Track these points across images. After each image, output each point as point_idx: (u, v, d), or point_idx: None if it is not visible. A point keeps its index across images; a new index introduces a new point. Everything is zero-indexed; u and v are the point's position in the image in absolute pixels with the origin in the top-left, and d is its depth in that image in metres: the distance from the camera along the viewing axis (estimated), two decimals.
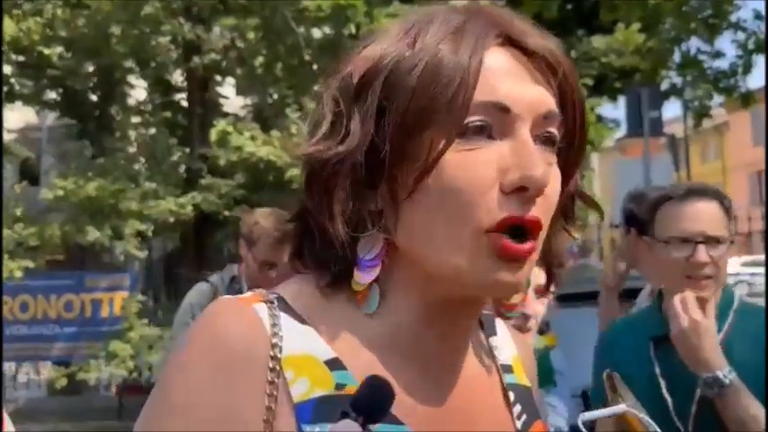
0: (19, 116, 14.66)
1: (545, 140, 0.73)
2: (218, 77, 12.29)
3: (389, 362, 0.73)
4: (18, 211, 10.63)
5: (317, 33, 10.61)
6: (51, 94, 12.35)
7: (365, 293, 0.74)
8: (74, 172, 10.46)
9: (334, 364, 0.71)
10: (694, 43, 11.11)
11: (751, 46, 10.70)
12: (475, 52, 0.70)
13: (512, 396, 0.83)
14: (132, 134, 12.30)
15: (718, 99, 11.78)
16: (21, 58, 11.44)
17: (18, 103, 12.01)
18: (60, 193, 10.13)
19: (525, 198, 0.69)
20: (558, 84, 0.74)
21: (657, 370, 1.81)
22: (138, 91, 12.54)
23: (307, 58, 10.19)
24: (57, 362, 11.00)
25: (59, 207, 10.68)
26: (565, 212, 0.80)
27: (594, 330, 2.79)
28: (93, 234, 10.21)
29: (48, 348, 10.72)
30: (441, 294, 0.74)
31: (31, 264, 10.19)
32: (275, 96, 11.52)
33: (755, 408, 1.65)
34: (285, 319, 0.72)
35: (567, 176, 0.77)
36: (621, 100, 10.47)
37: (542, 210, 0.71)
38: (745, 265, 18.45)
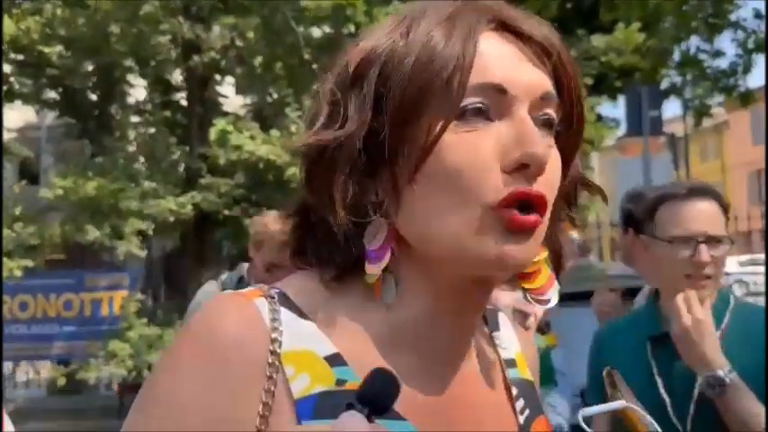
0: (18, 115, 14.66)
1: (543, 123, 0.73)
2: (218, 77, 12.30)
3: (392, 357, 0.73)
4: (17, 211, 10.64)
5: (316, 32, 10.62)
6: (51, 94, 12.36)
7: (378, 284, 0.74)
8: (73, 171, 10.46)
9: (334, 360, 0.71)
10: (694, 42, 11.13)
11: (751, 45, 10.71)
12: (469, 37, 0.71)
13: (515, 391, 0.83)
14: (132, 133, 12.31)
15: (717, 98, 11.79)
16: (20, 58, 11.46)
17: (17, 103, 12.02)
18: (60, 192, 10.14)
19: (528, 175, 0.69)
20: (554, 67, 0.74)
21: (655, 369, 1.81)
22: (138, 90, 12.54)
23: (306, 57, 10.19)
24: (56, 361, 11.01)
25: (59, 206, 10.69)
26: (567, 198, 0.80)
27: (594, 330, 2.79)
28: (92, 233, 10.21)
29: (47, 348, 10.74)
30: (447, 279, 0.73)
31: (30, 263, 10.19)
32: (275, 95, 11.53)
33: (756, 407, 1.65)
34: (285, 315, 0.72)
35: (566, 162, 0.77)
36: (621, 99, 10.48)
37: (544, 188, 0.71)
38: (742, 264, 18.44)
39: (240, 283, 3.20)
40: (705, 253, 1.76)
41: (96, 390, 11.56)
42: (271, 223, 2.79)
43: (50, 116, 14.55)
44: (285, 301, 0.73)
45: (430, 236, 0.71)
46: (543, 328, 3.00)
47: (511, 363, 0.86)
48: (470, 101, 0.70)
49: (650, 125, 8.49)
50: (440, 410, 0.74)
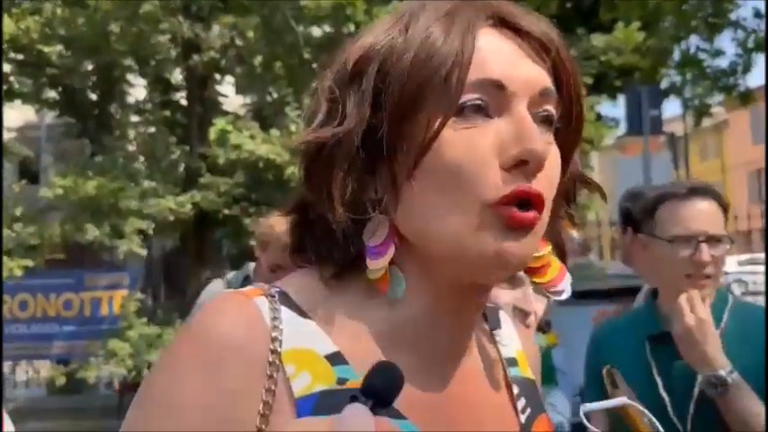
0: (18, 115, 14.67)
1: (542, 120, 0.72)
2: (218, 76, 12.28)
3: (392, 355, 0.72)
4: (17, 211, 10.64)
5: (316, 32, 10.61)
6: (50, 93, 12.35)
7: (386, 279, 0.74)
8: (73, 170, 10.45)
9: (335, 359, 0.71)
10: (694, 42, 11.14)
11: (751, 44, 10.72)
12: (467, 33, 0.70)
13: (516, 389, 0.83)
14: (131, 133, 12.30)
15: (717, 97, 11.80)
16: (20, 57, 11.44)
17: (17, 102, 12.01)
18: (60, 191, 10.13)
19: (527, 172, 0.69)
20: (553, 63, 0.74)
21: (654, 369, 1.81)
22: (138, 89, 12.53)
23: (306, 56, 10.19)
24: (56, 360, 11.01)
25: (59, 206, 10.68)
26: (566, 195, 0.80)
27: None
28: (92, 233, 10.21)
29: (47, 347, 10.75)
30: (447, 277, 0.73)
31: (30, 263, 10.19)
32: (274, 95, 11.51)
33: (757, 406, 1.65)
34: (286, 313, 0.72)
35: (565, 158, 0.76)
36: (621, 98, 10.48)
37: (543, 185, 0.71)
38: (741, 263, 18.46)
39: (246, 282, 3.21)
40: (706, 252, 1.76)
41: (96, 389, 11.55)
42: (276, 224, 2.80)
43: (50, 115, 14.54)
44: (285, 299, 0.73)
45: (429, 233, 0.71)
46: (544, 327, 2.99)
47: (512, 361, 0.85)
48: (469, 97, 0.69)
49: (650, 124, 8.50)
50: (440, 409, 0.74)
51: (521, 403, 0.82)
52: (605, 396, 1.64)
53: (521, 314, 2.21)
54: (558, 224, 0.79)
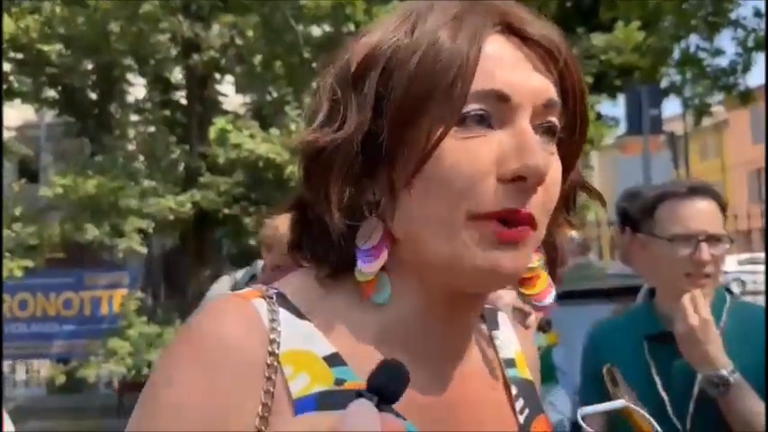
0: (18, 114, 14.67)
1: (546, 130, 0.72)
2: (218, 75, 12.29)
3: (390, 356, 0.72)
4: (17, 211, 10.64)
5: (316, 31, 10.62)
6: (50, 92, 12.35)
7: (373, 283, 0.74)
8: (73, 170, 10.45)
9: (333, 360, 0.71)
10: (694, 41, 11.15)
11: (751, 44, 10.72)
12: (474, 40, 0.69)
13: (514, 390, 0.83)
14: (131, 132, 12.30)
15: (717, 97, 11.80)
16: (19, 56, 11.44)
17: (17, 101, 12.01)
18: (59, 190, 10.13)
19: (524, 188, 0.69)
20: (559, 72, 0.73)
21: (653, 368, 1.81)
22: (137, 89, 12.53)
23: (306, 55, 10.19)
24: (56, 360, 11.01)
25: (58, 205, 10.69)
26: (566, 203, 0.80)
27: None
28: (92, 232, 10.21)
29: (47, 346, 10.75)
30: (440, 285, 0.73)
31: (30, 263, 10.20)
32: (274, 94, 11.51)
33: (758, 406, 1.65)
34: (284, 315, 0.72)
35: (567, 167, 0.76)
36: (621, 98, 10.49)
37: (541, 201, 0.70)
38: (741, 263, 18.48)
39: (252, 280, 3.22)
40: (705, 251, 1.76)
41: (96, 388, 11.56)
42: (281, 226, 2.80)
43: (50, 115, 14.55)
44: (283, 301, 0.73)
45: (424, 241, 0.71)
46: (544, 327, 3.00)
47: (510, 362, 0.85)
48: (472, 107, 0.69)
49: (650, 124, 8.49)
50: (439, 410, 0.74)
51: (519, 404, 0.82)
52: (604, 395, 1.64)
53: (520, 314, 2.20)
54: (556, 233, 0.79)
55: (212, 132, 10.35)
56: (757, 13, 10.80)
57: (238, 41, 11.07)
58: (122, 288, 10.72)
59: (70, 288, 10.68)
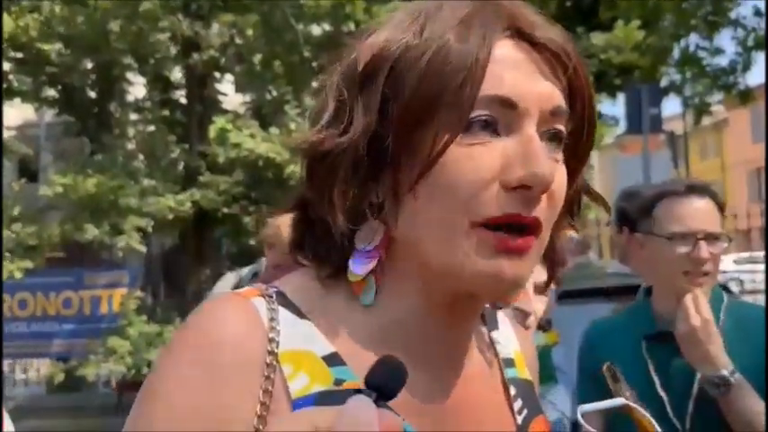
0: (17, 113, 14.65)
1: (552, 137, 0.71)
2: (217, 74, 12.28)
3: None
4: (17, 210, 10.64)
5: (316, 30, 10.61)
6: (50, 91, 12.34)
7: (362, 285, 0.74)
8: (72, 169, 10.45)
9: (332, 360, 0.71)
10: (694, 40, 11.14)
11: (750, 43, 10.71)
12: (483, 44, 0.69)
13: (513, 391, 0.83)
14: (131, 131, 12.30)
15: (717, 96, 11.79)
16: (19, 55, 11.43)
17: (16, 100, 12.00)
18: (59, 189, 10.13)
19: (528, 196, 0.68)
20: (568, 78, 0.72)
21: (651, 368, 1.81)
22: (137, 88, 12.53)
23: (306, 54, 10.19)
24: (56, 359, 11.00)
25: (58, 204, 10.68)
26: (570, 209, 0.79)
27: None
28: (91, 232, 10.21)
29: (47, 346, 10.74)
30: (441, 289, 0.72)
31: (30, 264, 10.20)
32: (274, 93, 11.50)
33: (759, 406, 1.66)
34: (283, 314, 0.72)
35: (573, 172, 0.75)
36: (621, 97, 10.47)
37: (546, 208, 0.70)
38: (739, 262, 18.48)
39: (255, 277, 3.22)
40: (704, 249, 1.77)
41: (95, 387, 11.54)
42: (283, 226, 2.81)
43: (49, 114, 14.54)
44: (283, 300, 0.73)
45: (426, 247, 0.70)
46: (544, 326, 2.99)
47: (509, 362, 0.85)
48: (478, 113, 0.68)
49: (650, 123, 8.48)
50: (437, 410, 0.74)
51: (517, 404, 0.82)
52: (601, 394, 1.64)
53: (520, 314, 2.20)
54: (557, 239, 0.78)
55: (212, 131, 10.35)
56: (757, 13, 10.79)
57: (238, 40, 11.07)
58: (122, 287, 10.71)
59: (70, 287, 10.67)
